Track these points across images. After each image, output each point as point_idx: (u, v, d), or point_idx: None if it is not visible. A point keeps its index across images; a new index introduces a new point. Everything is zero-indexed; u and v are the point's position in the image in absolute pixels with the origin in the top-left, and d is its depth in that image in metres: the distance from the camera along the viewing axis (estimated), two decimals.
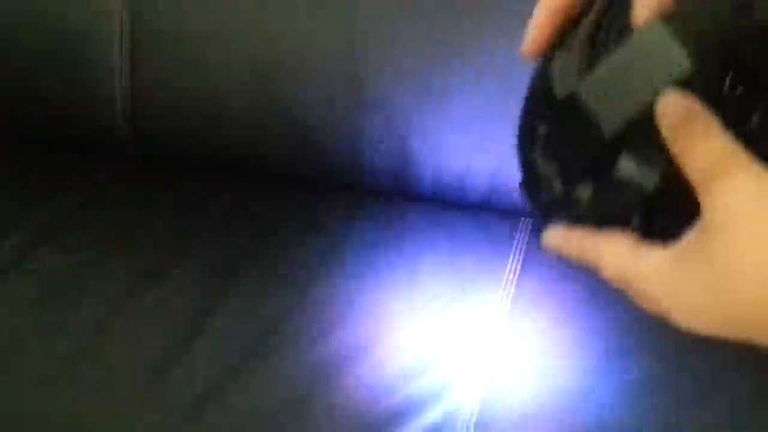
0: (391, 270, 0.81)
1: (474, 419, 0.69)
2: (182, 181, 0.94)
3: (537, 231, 0.73)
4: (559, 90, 0.36)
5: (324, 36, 0.86)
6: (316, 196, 0.91)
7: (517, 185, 0.40)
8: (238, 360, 0.72)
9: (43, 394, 0.70)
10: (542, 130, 0.37)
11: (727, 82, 0.34)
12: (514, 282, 0.81)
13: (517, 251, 0.84)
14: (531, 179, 0.39)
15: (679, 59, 0.33)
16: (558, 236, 0.40)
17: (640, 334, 0.74)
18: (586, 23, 0.37)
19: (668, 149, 0.34)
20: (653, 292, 0.37)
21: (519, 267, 0.82)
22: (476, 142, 0.85)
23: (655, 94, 0.33)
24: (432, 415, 0.70)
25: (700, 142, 0.34)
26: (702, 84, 0.33)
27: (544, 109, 0.37)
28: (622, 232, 0.36)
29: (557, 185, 0.37)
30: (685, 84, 0.33)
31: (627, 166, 0.35)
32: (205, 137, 0.94)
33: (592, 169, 0.36)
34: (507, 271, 0.82)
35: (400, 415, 0.69)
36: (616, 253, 0.37)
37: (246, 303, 0.78)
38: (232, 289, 0.79)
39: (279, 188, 0.92)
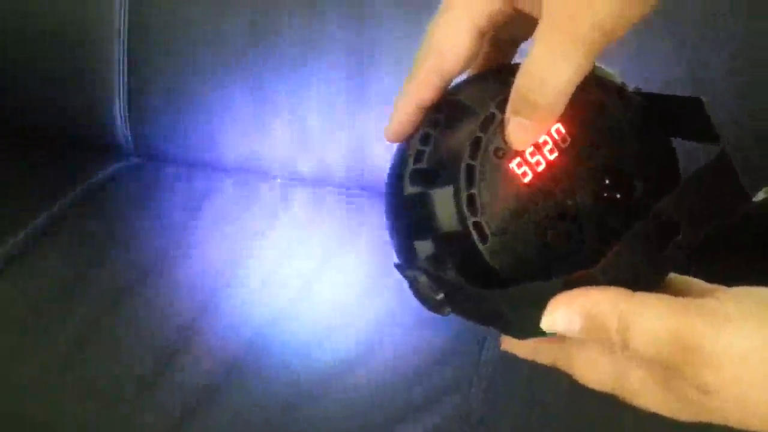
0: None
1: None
2: (182, 181, 0.94)
3: None
4: (407, 189, 0.38)
5: None
6: (316, 195, 0.91)
7: None
8: (234, 361, 0.72)
9: (43, 394, 0.70)
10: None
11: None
12: None
13: None
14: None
15: None
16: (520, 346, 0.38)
17: None
18: (426, 125, 0.38)
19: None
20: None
21: None
22: None
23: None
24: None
25: (637, 334, 0.31)
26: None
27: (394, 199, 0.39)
28: None
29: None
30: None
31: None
32: (205, 137, 0.95)
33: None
34: None
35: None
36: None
37: (245, 302, 0.78)
38: (232, 288, 0.79)
39: (279, 187, 0.92)
